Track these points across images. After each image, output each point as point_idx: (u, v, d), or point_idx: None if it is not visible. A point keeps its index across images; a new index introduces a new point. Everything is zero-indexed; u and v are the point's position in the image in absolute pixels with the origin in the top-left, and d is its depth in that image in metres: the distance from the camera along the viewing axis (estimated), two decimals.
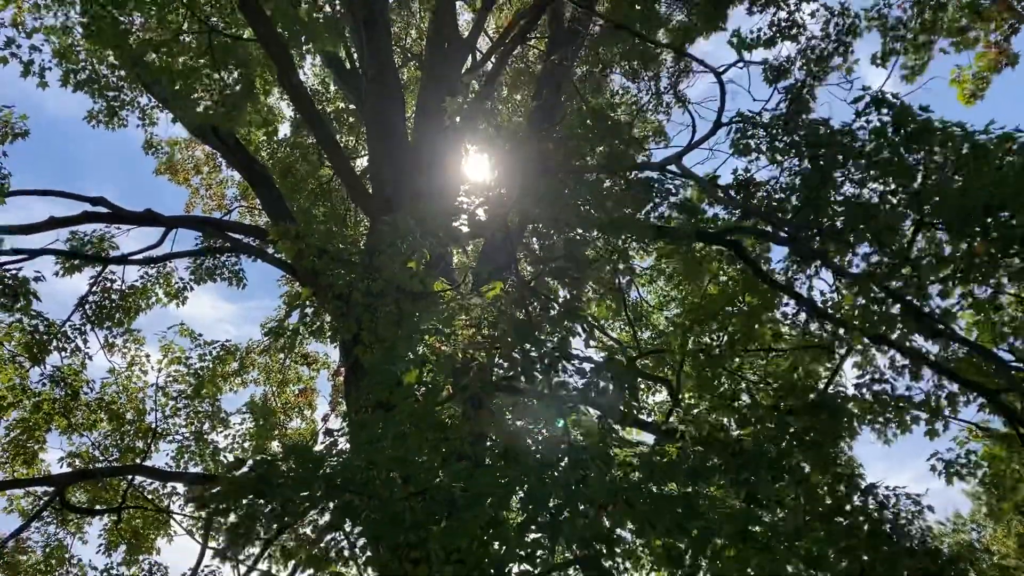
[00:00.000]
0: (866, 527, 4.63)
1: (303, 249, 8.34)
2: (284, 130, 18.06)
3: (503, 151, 6.05)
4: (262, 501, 4.16)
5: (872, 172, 5.99)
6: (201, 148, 19.19)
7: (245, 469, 4.31)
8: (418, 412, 5.59)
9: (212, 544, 11.28)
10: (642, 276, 14.20)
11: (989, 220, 4.95)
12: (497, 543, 4.53)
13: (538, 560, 5.34)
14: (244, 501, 4.16)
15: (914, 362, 6.86)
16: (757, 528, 5.23)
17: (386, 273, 7.70)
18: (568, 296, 6.07)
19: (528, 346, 5.25)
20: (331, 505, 4.43)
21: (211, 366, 12.94)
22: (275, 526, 4.65)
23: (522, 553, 4.44)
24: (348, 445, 6.68)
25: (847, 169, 6.19)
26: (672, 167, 7.27)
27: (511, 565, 5.62)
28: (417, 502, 4.71)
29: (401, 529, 4.51)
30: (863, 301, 6.11)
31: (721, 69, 8.60)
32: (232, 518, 4.28)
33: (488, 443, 6.35)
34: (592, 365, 5.45)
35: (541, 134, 6.12)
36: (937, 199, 5.29)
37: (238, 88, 9.75)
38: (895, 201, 5.78)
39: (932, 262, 5.53)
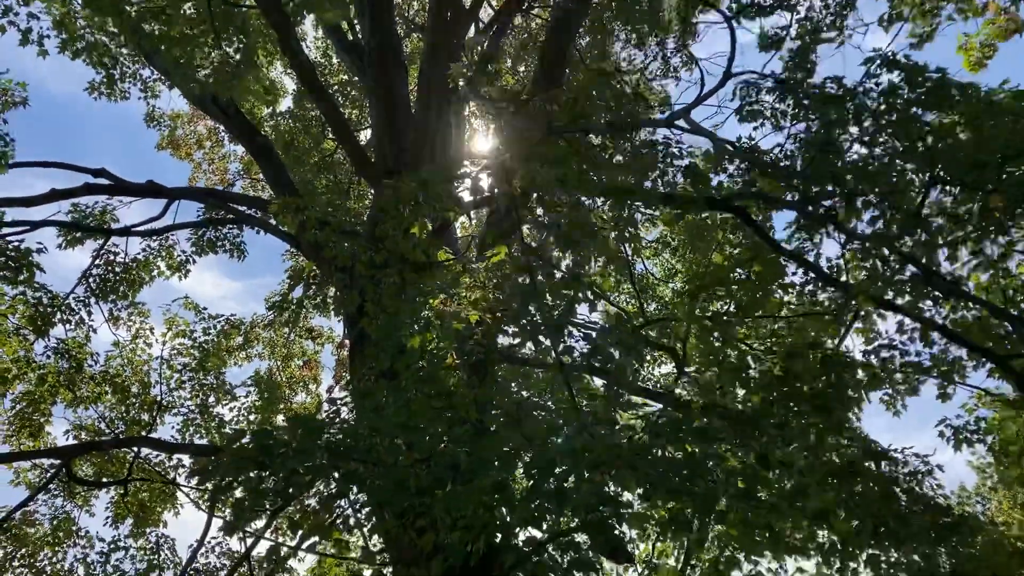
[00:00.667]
0: (876, 488, 4.59)
1: (305, 221, 8.27)
2: (286, 110, 17.95)
3: (507, 114, 5.95)
4: (265, 473, 4.11)
5: (882, 132, 5.87)
6: (203, 123, 19.10)
7: (246, 441, 4.26)
8: (422, 379, 5.55)
9: (218, 516, 11.33)
10: (648, 248, 14.11)
11: (1004, 175, 4.83)
12: (503, 508, 4.50)
13: (544, 526, 5.32)
14: (247, 474, 4.11)
15: (923, 327, 6.77)
16: (763, 492, 5.20)
17: (389, 243, 7.63)
18: (572, 262, 5.99)
19: (533, 310, 5.18)
20: (335, 475, 4.39)
21: (216, 339, 12.92)
22: (279, 500, 4.61)
23: (526, 517, 4.41)
24: (352, 414, 6.66)
25: (858, 127, 6.06)
26: (680, 122, 7.15)
27: (517, 531, 5.61)
28: (422, 468, 4.67)
29: (406, 495, 4.47)
30: (871, 264, 6.02)
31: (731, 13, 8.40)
32: (237, 492, 4.23)
33: (493, 412, 6.31)
34: (598, 329, 5.38)
35: (545, 95, 6.00)
36: (949, 155, 5.18)
37: (238, 57, 9.62)
38: (906, 161, 5.66)
39: (943, 222, 5.44)
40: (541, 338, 5.89)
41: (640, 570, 11.10)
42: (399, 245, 7.54)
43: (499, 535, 4.69)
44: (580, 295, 5.71)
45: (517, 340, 6.35)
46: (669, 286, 13.72)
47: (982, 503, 21.57)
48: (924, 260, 5.58)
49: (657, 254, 14.02)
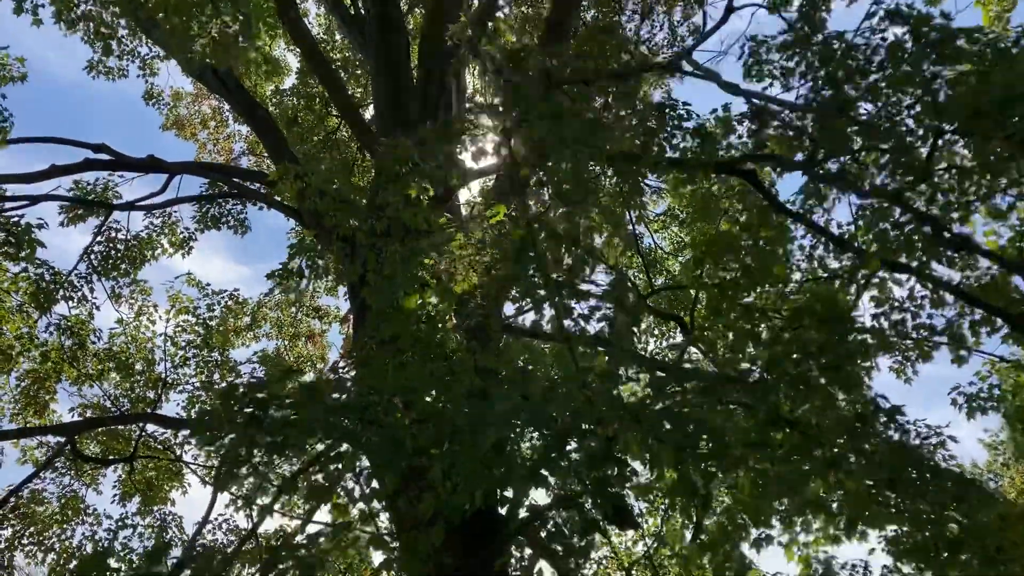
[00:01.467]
0: (888, 444, 4.46)
1: (305, 190, 8.13)
2: (289, 88, 17.82)
3: (508, 72, 5.80)
4: (259, 419, 4.01)
5: (889, 86, 5.68)
6: (207, 102, 19.02)
7: (241, 391, 4.16)
8: (421, 341, 5.43)
9: (224, 492, 11.29)
10: (655, 222, 13.95)
11: (1015, 118, 4.64)
12: (503, 467, 4.39)
13: (547, 486, 5.21)
14: (240, 427, 4.01)
15: (935, 289, 6.61)
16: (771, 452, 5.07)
17: (390, 211, 7.50)
18: (572, 225, 5.84)
19: (532, 271, 5.05)
20: (331, 434, 4.29)
21: (220, 315, 12.84)
22: (272, 457, 4.52)
23: (527, 476, 4.30)
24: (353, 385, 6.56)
25: (864, 81, 5.88)
26: (684, 65, 6.97)
27: (518, 495, 5.50)
28: (420, 428, 4.57)
29: (404, 455, 4.37)
30: (882, 225, 5.86)
31: None
32: (226, 440, 4.13)
33: (495, 378, 6.20)
34: (602, 287, 5.25)
35: (548, 51, 5.84)
36: (955, 107, 4.99)
37: (236, 27, 9.47)
38: (913, 115, 5.48)
39: (953, 176, 5.27)
40: (541, 301, 5.77)
41: (648, 543, 11.02)
42: (400, 213, 7.41)
43: (499, 494, 4.59)
44: (581, 257, 5.59)
45: (517, 305, 6.24)
46: (677, 259, 13.56)
47: (994, 480, 21.44)
48: (935, 215, 5.42)
49: (665, 227, 13.86)
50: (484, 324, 5.99)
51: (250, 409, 3.98)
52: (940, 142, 5.32)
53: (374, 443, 4.22)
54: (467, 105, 7.13)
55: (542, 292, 5.50)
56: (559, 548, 6.27)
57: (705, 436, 3.98)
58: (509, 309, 8.57)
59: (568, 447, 4.88)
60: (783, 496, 5.68)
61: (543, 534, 8.80)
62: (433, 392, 4.81)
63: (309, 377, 16.42)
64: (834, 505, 5.57)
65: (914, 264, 6.74)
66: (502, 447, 4.37)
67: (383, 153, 5.93)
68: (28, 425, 11.91)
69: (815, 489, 5.30)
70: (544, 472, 5.03)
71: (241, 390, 4.15)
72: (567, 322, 5.78)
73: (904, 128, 5.51)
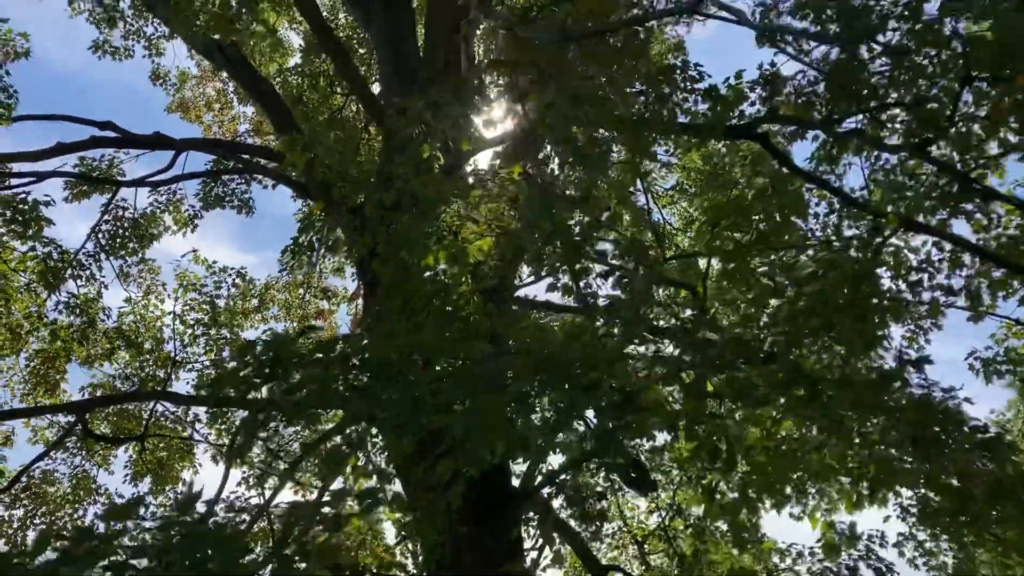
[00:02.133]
0: (914, 399, 4.40)
1: (313, 160, 8.06)
2: (294, 66, 17.73)
3: (521, 29, 5.71)
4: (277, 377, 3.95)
5: (912, 38, 5.58)
6: (212, 84, 18.94)
7: (260, 349, 4.10)
8: (436, 304, 5.37)
9: (236, 469, 11.29)
10: (664, 197, 13.85)
11: None
12: (525, 422, 4.34)
13: (566, 444, 5.17)
14: (256, 384, 3.95)
15: (954, 248, 6.54)
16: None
17: (399, 182, 7.43)
18: (586, 186, 5.77)
19: (549, 228, 4.98)
20: (350, 390, 4.23)
21: (228, 292, 12.81)
22: (291, 417, 4.46)
23: (547, 432, 4.24)
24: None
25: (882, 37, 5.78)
26: (707, 5, 6.86)
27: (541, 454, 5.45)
28: (439, 386, 4.51)
29: (424, 412, 4.32)
30: (900, 181, 5.77)
31: None
32: (231, 393, 4.06)
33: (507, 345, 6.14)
34: (615, 249, 5.19)
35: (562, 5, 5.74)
36: (980, 55, 4.89)
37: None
38: (935, 67, 5.38)
39: (979, 124, 5.18)
40: (556, 262, 5.70)
41: (662, 514, 11.01)
42: (413, 182, 7.33)
43: (516, 452, 4.54)
44: (596, 219, 5.52)
45: (532, 269, 6.16)
46: (686, 235, 13.47)
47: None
48: (958, 166, 5.33)
49: (673, 202, 13.76)
50: (500, 287, 5.93)
51: (267, 368, 3.92)
52: (967, 89, 5.23)
53: (393, 400, 4.16)
54: (475, 68, 7.02)
55: (558, 253, 5.44)
56: (575, 512, 6.25)
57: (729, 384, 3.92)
58: (517, 286, 8.53)
59: (587, 402, 4.83)
60: (801, 461, 5.65)
61: (558, 501, 8.78)
62: (451, 349, 4.75)
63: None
64: (855, 468, 5.53)
65: (933, 223, 6.67)
66: (525, 399, 4.31)
67: (394, 116, 5.84)
68: (39, 405, 11.90)
69: (839, 449, 5.26)
70: (561, 435, 5.00)
71: (258, 348, 4.09)
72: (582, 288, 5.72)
73: (926, 82, 5.41)
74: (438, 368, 4.71)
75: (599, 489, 5.91)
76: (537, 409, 4.82)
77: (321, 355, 4.04)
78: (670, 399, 5.10)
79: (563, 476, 6.28)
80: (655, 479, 6.77)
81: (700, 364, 4.57)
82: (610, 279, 5.31)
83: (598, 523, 6.28)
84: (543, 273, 5.54)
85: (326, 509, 4.38)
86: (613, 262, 5.24)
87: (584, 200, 5.22)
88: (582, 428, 6.11)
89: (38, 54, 37.41)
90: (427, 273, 5.59)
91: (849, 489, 5.45)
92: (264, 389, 4.29)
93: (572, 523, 10.13)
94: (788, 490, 5.73)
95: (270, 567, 3.37)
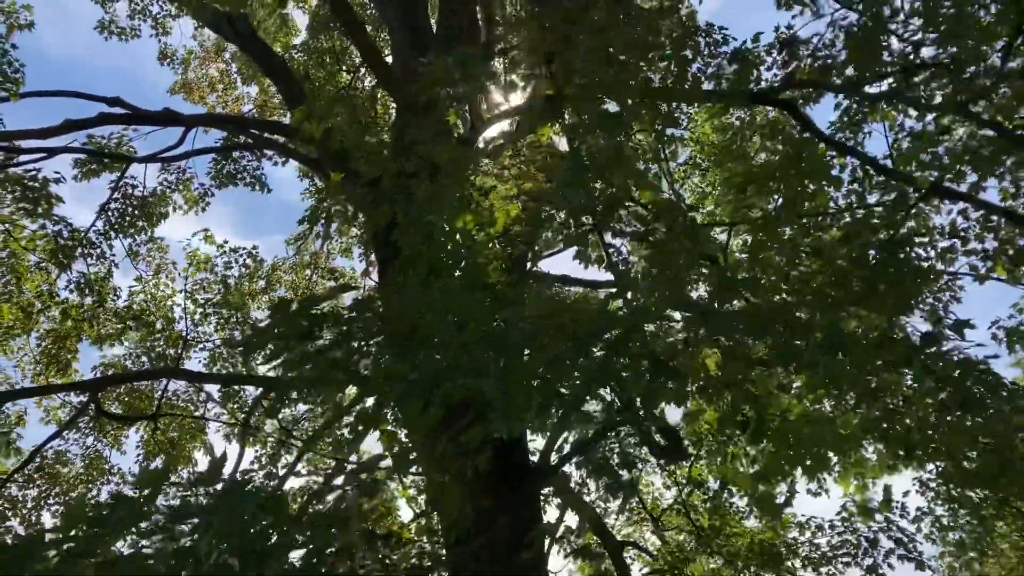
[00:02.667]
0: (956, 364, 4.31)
1: (329, 131, 7.93)
2: (300, 43, 17.59)
3: None
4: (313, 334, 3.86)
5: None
6: (215, 65, 18.80)
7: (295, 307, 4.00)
8: (462, 270, 5.28)
9: (249, 447, 11.23)
10: (675, 172, 13.70)
11: None
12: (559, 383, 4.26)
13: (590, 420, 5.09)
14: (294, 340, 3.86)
15: (986, 213, 6.43)
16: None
17: (419, 150, 7.30)
18: (616, 146, 5.65)
19: (581, 191, 4.87)
20: (383, 350, 4.14)
21: (239, 272, 12.71)
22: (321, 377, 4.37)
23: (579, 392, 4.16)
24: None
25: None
26: None
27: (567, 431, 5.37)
28: (473, 348, 4.42)
29: (459, 374, 4.23)
30: (936, 138, 5.65)
31: None
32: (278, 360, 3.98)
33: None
34: (648, 214, 5.08)
35: None
36: None
37: None
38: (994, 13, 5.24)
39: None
40: (582, 231, 5.60)
41: (681, 488, 10.95)
42: (430, 152, 7.21)
43: (549, 412, 4.45)
44: (625, 178, 5.40)
45: (562, 238, 6.06)
46: (699, 211, 13.33)
47: None
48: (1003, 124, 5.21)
49: (687, 177, 13.61)
50: (524, 256, 5.83)
51: (305, 323, 3.83)
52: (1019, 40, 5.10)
53: (426, 360, 4.08)
54: (499, 31, 6.88)
55: (586, 220, 5.34)
56: (603, 483, 6.16)
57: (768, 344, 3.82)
58: (540, 256, 8.42)
59: (619, 366, 4.75)
60: (835, 427, 5.56)
61: (578, 475, 8.70)
62: (482, 315, 4.65)
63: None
64: (889, 433, 5.44)
65: (963, 188, 6.56)
66: (559, 360, 4.22)
67: (419, 76, 5.71)
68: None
69: (874, 414, 5.17)
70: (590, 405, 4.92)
71: (294, 306, 4.00)
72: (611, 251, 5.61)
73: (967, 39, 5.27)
74: (470, 330, 4.61)
75: (629, 459, 5.80)
76: (571, 373, 4.74)
77: (356, 313, 3.95)
78: (707, 365, 5.01)
79: (590, 446, 6.19)
80: (687, 447, 6.68)
81: (740, 329, 4.48)
82: (642, 247, 5.21)
83: (627, 494, 6.18)
84: (573, 238, 5.44)
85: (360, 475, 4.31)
86: (641, 230, 5.14)
87: (616, 163, 5.10)
88: (609, 397, 6.03)
89: (36, 45, 37.17)
90: (455, 237, 5.48)
91: (884, 451, 5.37)
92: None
93: (589, 498, 10.09)
94: (823, 457, 5.64)
95: (308, 532, 3.30)
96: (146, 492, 2.82)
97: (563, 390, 5.21)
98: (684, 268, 4.62)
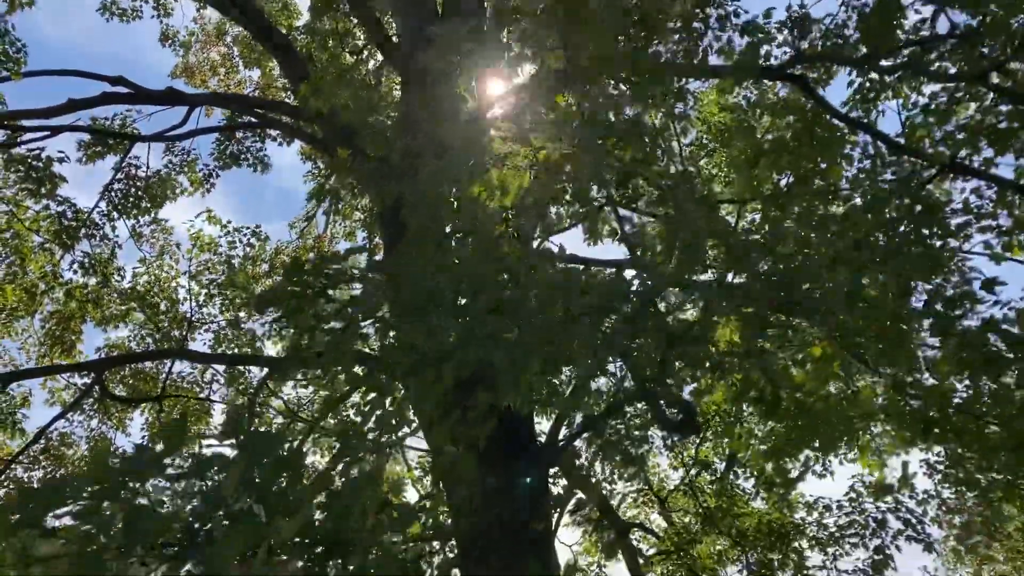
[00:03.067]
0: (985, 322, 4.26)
1: (336, 104, 7.86)
2: (302, 25, 17.49)
3: None
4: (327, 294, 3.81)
5: None
6: (217, 49, 18.71)
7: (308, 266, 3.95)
8: (476, 240, 5.21)
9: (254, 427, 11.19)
10: (684, 152, 13.60)
11: None
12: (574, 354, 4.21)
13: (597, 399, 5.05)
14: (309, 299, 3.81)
15: (1001, 190, 6.36)
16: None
17: (426, 126, 7.23)
18: (631, 114, 5.58)
19: (600, 158, 4.80)
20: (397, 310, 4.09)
21: (243, 252, 12.65)
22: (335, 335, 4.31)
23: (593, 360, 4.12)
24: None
25: None
26: None
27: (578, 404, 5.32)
28: (485, 317, 4.37)
29: (472, 342, 4.18)
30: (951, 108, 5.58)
31: None
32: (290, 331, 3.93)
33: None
34: (668, 183, 5.02)
35: None
36: None
37: None
38: None
39: None
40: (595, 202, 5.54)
41: (688, 469, 10.93)
42: (438, 129, 7.14)
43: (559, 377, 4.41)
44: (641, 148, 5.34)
45: (573, 210, 5.99)
46: (706, 190, 13.24)
47: None
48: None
49: (694, 159, 13.52)
50: (536, 228, 5.77)
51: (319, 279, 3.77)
52: None
53: (442, 327, 4.02)
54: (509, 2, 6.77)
55: (600, 193, 5.28)
56: (613, 453, 6.14)
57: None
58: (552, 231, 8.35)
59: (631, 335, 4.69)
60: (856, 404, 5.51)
61: (590, 453, 8.67)
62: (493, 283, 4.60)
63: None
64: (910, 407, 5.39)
65: (978, 164, 6.49)
66: (569, 322, 4.17)
67: (439, 44, 5.63)
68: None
69: (890, 380, 5.11)
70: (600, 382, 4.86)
71: (308, 265, 3.95)
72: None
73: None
74: (481, 301, 4.56)
75: (637, 433, 5.78)
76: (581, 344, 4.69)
77: (371, 274, 3.89)
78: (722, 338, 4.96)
79: (600, 423, 6.16)
80: (700, 421, 6.64)
81: (761, 296, 4.43)
82: (660, 211, 5.15)
83: (636, 468, 6.16)
84: (586, 213, 5.38)
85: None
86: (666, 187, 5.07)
87: (632, 132, 5.04)
88: (620, 372, 5.98)
89: (34, 32, 36.99)
90: (465, 208, 5.41)
91: (908, 423, 5.31)
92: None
93: (597, 477, 10.07)
94: (838, 432, 5.59)
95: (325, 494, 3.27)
96: (168, 442, 2.78)
97: (571, 368, 5.16)
98: (700, 235, 4.56)
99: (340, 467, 3.40)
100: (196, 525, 2.56)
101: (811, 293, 3.78)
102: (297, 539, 2.86)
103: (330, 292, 3.82)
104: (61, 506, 2.45)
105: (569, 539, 13.99)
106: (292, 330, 3.96)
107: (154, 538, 2.49)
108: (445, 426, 6.44)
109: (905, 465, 5.79)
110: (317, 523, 2.71)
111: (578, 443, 8.42)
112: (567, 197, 5.79)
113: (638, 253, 5.77)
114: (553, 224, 6.15)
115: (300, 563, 2.69)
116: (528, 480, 6.82)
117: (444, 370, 4.75)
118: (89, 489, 2.49)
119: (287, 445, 3.22)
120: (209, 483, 2.65)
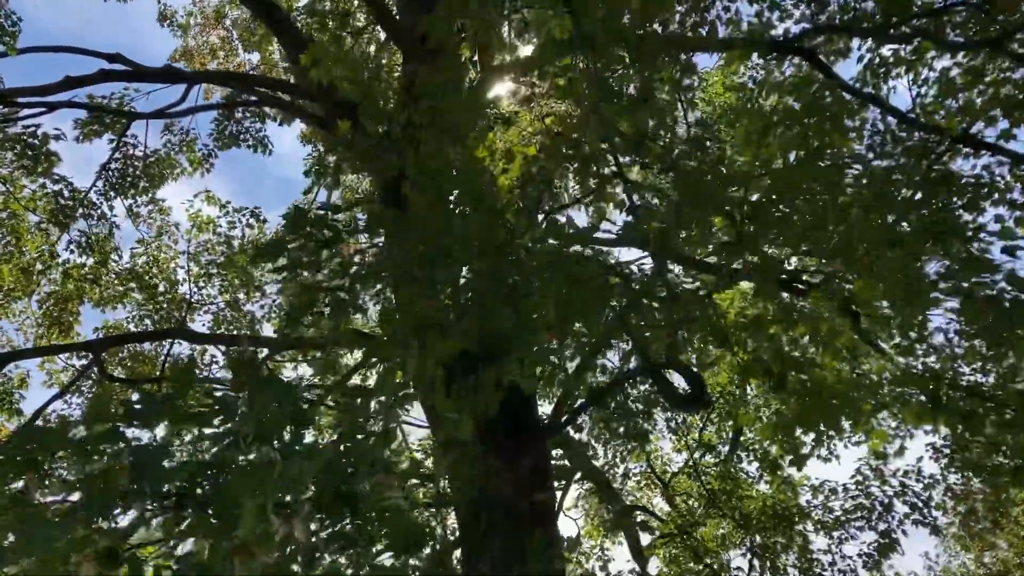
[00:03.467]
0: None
1: (338, 75, 7.70)
2: (302, 6, 17.32)
3: None
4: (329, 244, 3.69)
5: None
6: (216, 32, 18.56)
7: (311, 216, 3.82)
8: (480, 203, 5.09)
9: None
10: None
11: None
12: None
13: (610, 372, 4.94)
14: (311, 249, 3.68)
15: (1014, 164, 6.24)
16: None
17: (428, 99, 7.09)
18: (641, 87, 5.45)
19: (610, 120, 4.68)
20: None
21: (242, 234, 12.50)
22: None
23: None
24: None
25: None
26: None
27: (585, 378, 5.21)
28: (487, 279, 4.26)
29: (502, 285, 4.06)
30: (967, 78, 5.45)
31: None
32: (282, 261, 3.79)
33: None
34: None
35: None
36: None
37: None
38: None
39: None
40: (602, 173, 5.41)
41: (692, 450, 10.83)
42: (441, 102, 7.00)
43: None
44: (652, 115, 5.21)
45: (585, 177, 5.86)
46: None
47: None
48: None
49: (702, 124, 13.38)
50: (542, 197, 5.65)
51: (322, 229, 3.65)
52: None
53: (445, 274, 3.91)
54: None
55: (609, 160, 5.16)
56: (620, 426, 6.04)
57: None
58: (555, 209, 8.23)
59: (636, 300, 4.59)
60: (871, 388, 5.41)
61: (593, 434, 8.56)
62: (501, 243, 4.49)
63: None
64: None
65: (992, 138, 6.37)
66: (581, 282, 4.06)
67: (437, 9, 5.50)
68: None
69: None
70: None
71: (311, 215, 3.83)
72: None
73: None
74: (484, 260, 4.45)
75: (641, 407, 5.68)
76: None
77: (379, 228, 3.78)
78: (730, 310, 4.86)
79: (605, 397, 6.05)
80: (709, 397, 6.53)
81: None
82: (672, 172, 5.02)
83: (641, 442, 6.06)
84: (595, 180, 5.25)
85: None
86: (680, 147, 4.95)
87: (643, 100, 4.91)
88: (627, 346, 5.85)
89: (30, 23, 36.71)
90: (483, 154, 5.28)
91: (917, 404, 5.21)
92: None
93: (599, 457, 9.97)
94: (847, 409, 5.48)
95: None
96: (177, 386, 2.67)
97: (575, 341, 5.04)
98: (712, 193, 4.46)
99: (347, 428, 3.29)
100: (210, 472, 2.46)
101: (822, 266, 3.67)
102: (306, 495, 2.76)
103: (334, 243, 3.70)
104: (62, 447, 2.35)
105: (572, 525, 13.94)
106: (291, 296, 3.84)
107: (162, 483, 2.39)
108: (451, 397, 6.35)
109: (901, 447, 5.71)
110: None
111: (581, 424, 8.32)
112: (575, 165, 5.66)
113: (644, 227, 5.64)
114: (559, 195, 6.03)
115: (308, 519, 2.59)
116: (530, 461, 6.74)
117: (449, 334, 4.64)
118: (91, 430, 2.38)
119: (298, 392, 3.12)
120: (221, 429, 2.55)
